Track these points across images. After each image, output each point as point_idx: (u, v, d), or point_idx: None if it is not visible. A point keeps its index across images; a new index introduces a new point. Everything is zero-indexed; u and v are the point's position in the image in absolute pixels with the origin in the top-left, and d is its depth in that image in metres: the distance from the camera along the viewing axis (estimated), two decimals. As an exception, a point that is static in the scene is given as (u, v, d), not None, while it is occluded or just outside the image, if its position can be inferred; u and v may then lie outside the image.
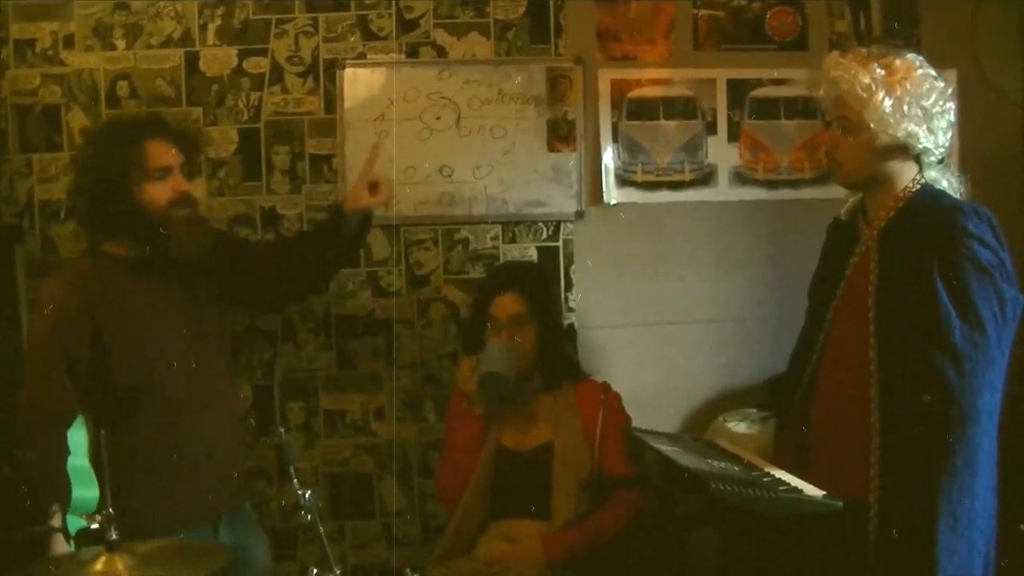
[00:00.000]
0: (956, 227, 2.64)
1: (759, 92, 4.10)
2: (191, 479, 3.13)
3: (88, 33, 3.91)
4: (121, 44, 3.92)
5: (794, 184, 4.11)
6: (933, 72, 2.76)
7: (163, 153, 3.11)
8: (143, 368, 3.07)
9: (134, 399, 3.05)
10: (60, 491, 2.94)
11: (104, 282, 3.10)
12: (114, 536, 2.39)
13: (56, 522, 2.89)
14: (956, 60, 4.01)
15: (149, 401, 3.08)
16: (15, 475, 3.44)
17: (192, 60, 3.94)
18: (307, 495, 2.74)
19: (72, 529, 2.93)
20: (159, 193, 3.08)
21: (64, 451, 3.02)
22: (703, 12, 4.09)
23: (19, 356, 3.73)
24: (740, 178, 4.11)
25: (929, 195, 2.78)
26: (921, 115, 2.70)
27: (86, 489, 2.98)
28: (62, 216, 3.91)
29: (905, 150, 2.75)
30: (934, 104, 2.71)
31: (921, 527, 2.58)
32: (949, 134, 2.78)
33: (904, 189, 2.79)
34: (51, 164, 3.91)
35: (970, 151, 3.98)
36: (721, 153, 4.10)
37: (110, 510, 2.41)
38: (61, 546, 2.88)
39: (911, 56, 2.78)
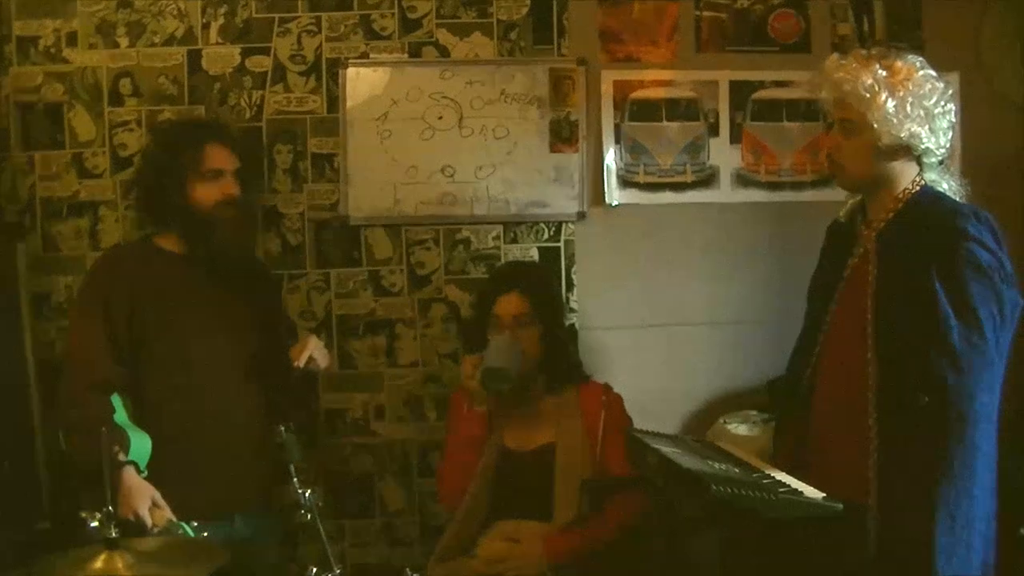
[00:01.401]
0: (955, 229, 2.64)
1: (761, 94, 4.10)
2: (205, 471, 3.21)
3: (91, 31, 3.92)
4: (124, 42, 3.93)
5: (796, 186, 4.11)
6: (933, 73, 2.76)
7: (219, 156, 3.30)
8: (169, 358, 3.22)
9: (161, 387, 3.22)
10: (116, 437, 3.01)
11: (147, 271, 3.28)
12: (114, 533, 2.39)
13: (122, 457, 2.97)
14: (959, 63, 4.02)
15: (172, 391, 3.21)
16: (13, 474, 3.47)
17: (195, 58, 3.95)
18: (307, 494, 2.75)
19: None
20: (208, 193, 3.27)
21: (109, 410, 3.11)
22: (706, 14, 4.09)
23: (22, 353, 3.75)
24: (742, 180, 4.10)
25: (929, 197, 2.78)
26: (923, 115, 2.70)
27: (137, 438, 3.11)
28: (64, 214, 3.91)
29: (907, 151, 2.75)
30: (936, 104, 2.72)
31: (919, 529, 2.58)
32: (950, 134, 2.78)
33: (904, 191, 2.79)
34: (53, 162, 3.92)
35: (972, 154, 3.98)
36: (723, 155, 4.10)
37: (110, 508, 2.42)
38: (133, 477, 2.97)
39: (911, 57, 2.78)
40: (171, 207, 3.27)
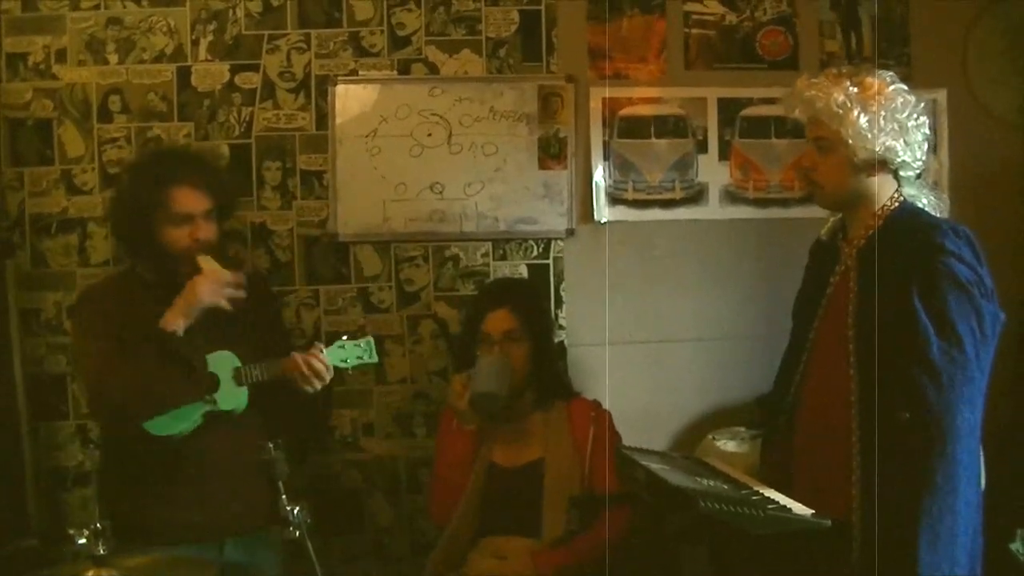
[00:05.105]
0: (934, 244, 2.65)
1: (750, 111, 4.11)
2: (196, 496, 3.16)
3: (80, 47, 3.92)
4: (113, 59, 3.93)
5: (784, 203, 4.12)
6: (904, 87, 2.78)
7: (188, 200, 3.17)
8: None
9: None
10: None
11: (131, 299, 3.20)
12: (102, 551, 2.39)
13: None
14: (946, 80, 4.04)
15: None
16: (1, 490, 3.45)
17: (184, 75, 3.95)
18: (296, 511, 2.74)
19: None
20: (178, 237, 3.16)
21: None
22: (694, 31, 4.10)
23: (10, 369, 3.75)
24: (730, 196, 4.11)
25: (907, 213, 2.79)
26: (897, 129, 2.72)
27: None
28: (53, 230, 3.91)
29: (883, 165, 2.76)
30: (908, 117, 2.74)
31: (902, 545, 2.58)
32: (925, 147, 2.80)
33: (883, 207, 2.80)
34: (42, 178, 3.91)
35: (959, 170, 4.00)
36: (712, 171, 4.11)
37: (98, 524, 2.41)
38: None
39: (881, 72, 2.81)
40: (142, 246, 3.22)
